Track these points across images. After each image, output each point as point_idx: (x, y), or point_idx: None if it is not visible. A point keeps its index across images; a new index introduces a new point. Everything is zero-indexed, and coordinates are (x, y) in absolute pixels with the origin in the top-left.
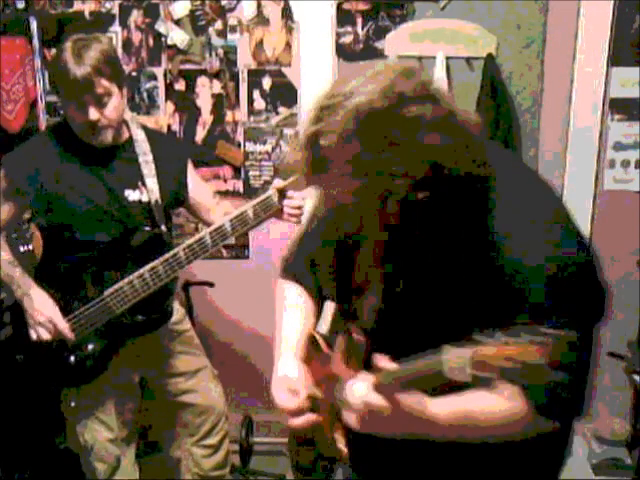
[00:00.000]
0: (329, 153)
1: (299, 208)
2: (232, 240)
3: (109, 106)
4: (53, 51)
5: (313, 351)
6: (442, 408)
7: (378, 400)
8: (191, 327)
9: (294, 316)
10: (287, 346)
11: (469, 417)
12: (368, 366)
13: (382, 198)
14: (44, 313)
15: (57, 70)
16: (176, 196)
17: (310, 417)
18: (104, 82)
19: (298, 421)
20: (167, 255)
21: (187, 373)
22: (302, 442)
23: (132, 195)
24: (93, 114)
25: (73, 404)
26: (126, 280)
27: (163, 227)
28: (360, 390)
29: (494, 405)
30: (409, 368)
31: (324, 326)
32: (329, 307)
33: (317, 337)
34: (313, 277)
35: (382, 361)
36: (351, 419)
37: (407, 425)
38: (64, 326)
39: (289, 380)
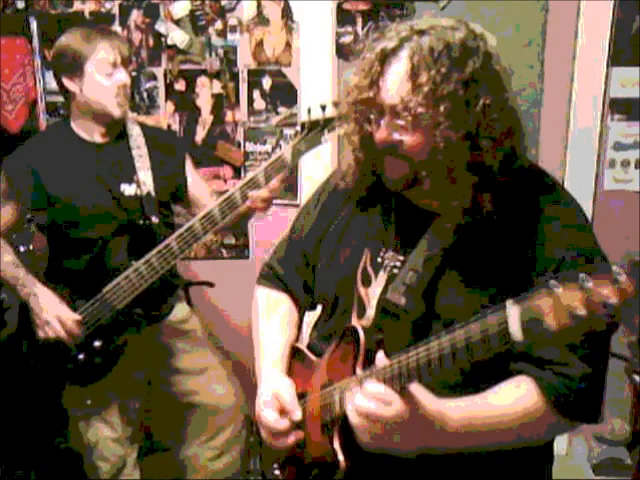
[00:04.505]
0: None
1: (272, 194)
2: (232, 240)
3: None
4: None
5: (297, 362)
6: (454, 407)
7: (391, 395)
8: (199, 326)
9: (276, 325)
10: (271, 360)
11: (482, 415)
12: (367, 366)
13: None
14: (51, 311)
15: (83, 41)
16: (173, 190)
17: (298, 435)
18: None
19: (284, 441)
20: (160, 246)
21: (192, 372)
22: (284, 462)
23: (128, 190)
24: (126, 77)
25: (89, 402)
26: (123, 275)
27: (155, 219)
28: (369, 389)
29: (508, 403)
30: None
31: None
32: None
33: (301, 347)
34: (302, 279)
35: (382, 358)
36: (356, 428)
37: (417, 431)
38: (72, 321)
39: (279, 399)
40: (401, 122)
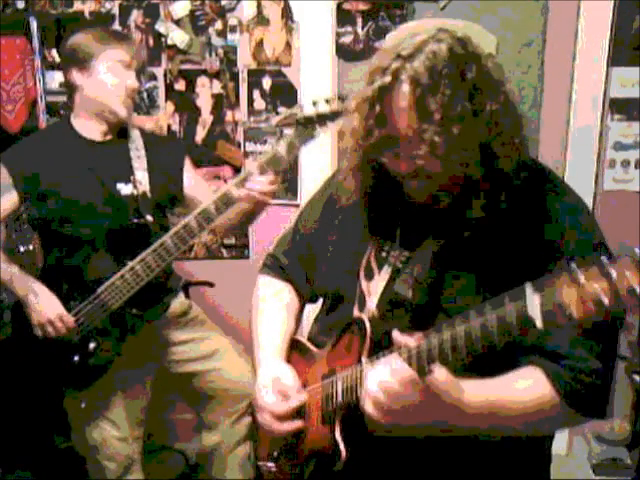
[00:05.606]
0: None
1: (269, 187)
2: (232, 240)
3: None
4: (53, 51)
5: (296, 353)
6: (471, 389)
7: (409, 372)
8: (201, 313)
9: (276, 314)
10: (271, 347)
11: (498, 402)
12: (371, 354)
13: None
14: (52, 309)
15: (99, 40)
16: (169, 191)
17: (297, 423)
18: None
19: (286, 427)
20: (155, 245)
21: (202, 357)
22: (280, 453)
23: (124, 189)
24: (136, 81)
25: (83, 405)
26: (118, 275)
27: (149, 217)
28: (383, 372)
29: (523, 391)
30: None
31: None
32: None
33: (301, 339)
34: (305, 271)
35: (404, 338)
36: (371, 409)
37: (434, 410)
38: (71, 320)
39: (280, 383)
40: (418, 152)
